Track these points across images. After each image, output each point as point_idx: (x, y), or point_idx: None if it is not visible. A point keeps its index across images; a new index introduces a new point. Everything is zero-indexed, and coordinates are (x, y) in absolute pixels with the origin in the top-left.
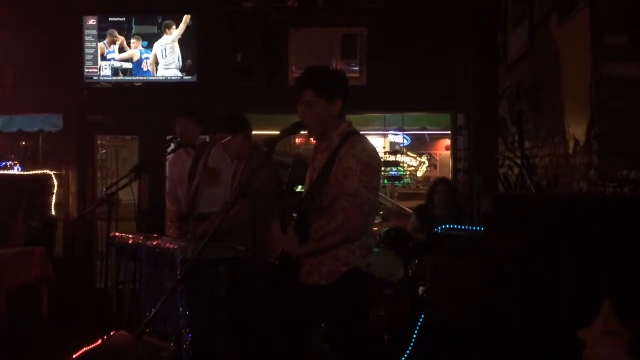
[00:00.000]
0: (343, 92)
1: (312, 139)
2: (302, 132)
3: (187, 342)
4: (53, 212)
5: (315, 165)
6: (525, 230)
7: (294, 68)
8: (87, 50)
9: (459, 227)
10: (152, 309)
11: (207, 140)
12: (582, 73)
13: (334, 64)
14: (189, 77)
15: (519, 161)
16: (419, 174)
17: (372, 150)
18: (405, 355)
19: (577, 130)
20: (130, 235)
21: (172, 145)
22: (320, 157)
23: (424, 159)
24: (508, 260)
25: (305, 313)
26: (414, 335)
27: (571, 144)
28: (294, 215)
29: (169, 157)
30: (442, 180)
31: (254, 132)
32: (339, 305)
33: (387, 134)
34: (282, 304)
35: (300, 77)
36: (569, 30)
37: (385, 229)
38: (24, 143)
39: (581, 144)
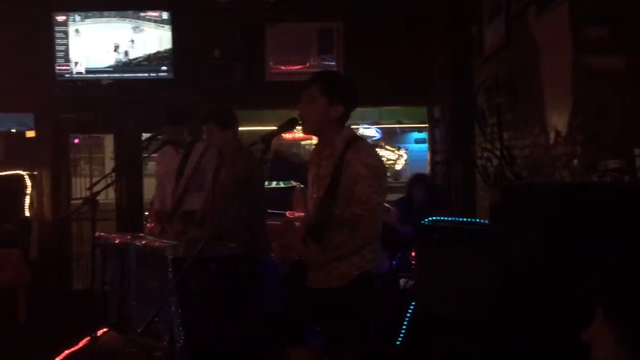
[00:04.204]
0: (346, 102)
1: (286, 135)
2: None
3: (181, 341)
4: (27, 214)
5: (321, 173)
6: (535, 221)
7: (271, 64)
8: (57, 48)
9: (445, 218)
10: (143, 310)
11: (191, 139)
12: (563, 65)
13: (311, 59)
14: (165, 74)
15: (498, 152)
16: (398, 167)
17: (377, 154)
18: (395, 346)
19: (558, 121)
20: (116, 235)
21: (152, 144)
22: (326, 165)
23: (402, 152)
24: (516, 252)
25: (309, 313)
26: (404, 327)
27: (552, 135)
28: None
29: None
30: (419, 178)
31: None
32: (350, 305)
33: (359, 128)
34: (286, 305)
35: (313, 73)
36: (548, 23)
37: None
38: None
39: (563, 134)
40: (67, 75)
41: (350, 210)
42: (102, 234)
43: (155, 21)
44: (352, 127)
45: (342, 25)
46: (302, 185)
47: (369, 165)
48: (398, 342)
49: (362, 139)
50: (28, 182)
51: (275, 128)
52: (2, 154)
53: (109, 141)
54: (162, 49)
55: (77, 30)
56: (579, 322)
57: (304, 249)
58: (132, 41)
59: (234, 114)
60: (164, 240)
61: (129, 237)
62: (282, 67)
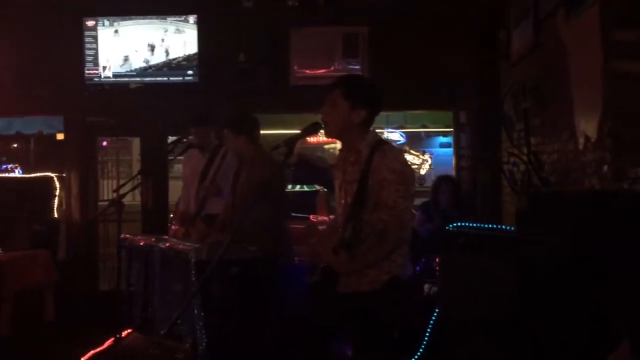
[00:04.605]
0: (369, 106)
1: (310, 138)
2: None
3: (203, 344)
4: (55, 215)
5: (347, 178)
6: (562, 228)
7: (296, 68)
8: (87, 52)
9: (470, 224)
10: (166, 312)
11: (218, 142)
12: (592, 69)
13: (336, 63)
14: (191, 78)
15: (525, 158)
16: (422, 172)
17: (403, 158)
18: (419, 353)
19: (587, 126)
20: (141, 237)
21: (177, 147)
22: (352, 170)
23: (426, 156)
24: (543, 259)
25: (335, 318)
26: (427, 333)
27: (581, 141)
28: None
29: (182, 157)
30: (445, 179)
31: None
32: (379, 310)
33: (383, 132)
34: (310, 310)
35: (337, 77)
36: (577, 26)
37: None
38: (23, 146)
39: (592, 140)
40: (95, 79)
41: (377, 216)
42: (127, 236)
43: (182, 25)
44: (378, 131)
45: (367, 29)
46: (325, 189)
47: (395, 170)
48: (422, 349)
49: (388, 142)
50: (57, 184)
51: (299, 132)
52: (33, 156)
53: (136, 144)
54: (187, 53)
55: (105, 35)
56: (605, 331)
57: (334, 257)
58: (160, 45)
59: (250, 119)
60: (187, 243)
61: (153, 239)
62: (307, 71)
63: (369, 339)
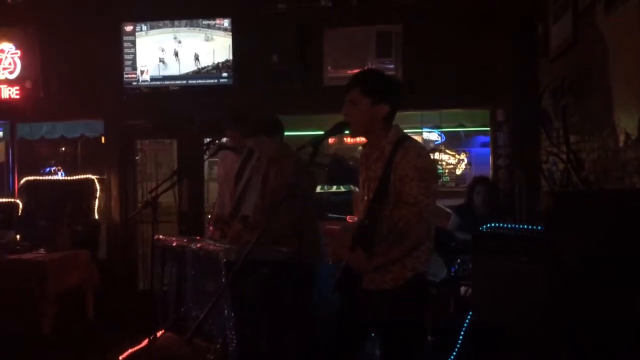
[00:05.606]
0: (391, 100)
1: (347, 139)
2: (345, 132)
3: (234, 344)
4: (96, 216)
5: (370, 175)
6: (592, 228)
7: (329, 68)
8: (126, 57)
9: (504, 225)
10: (199, 312)
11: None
12: (633, 64)
13: (370, 63)
14: (225, 80)
15: (564, 156)
16: (458, 172)
17: (426, 154)
18: (452, 357)
19: (628, 123)
20: (174, 238)
21: (210, 148)
22: (375, 167)
23: (462, 156)
24: (573, 260)
25: (362, 315)
26: (460, 336)
27: (622, 138)
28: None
29: (217, 156)
30: (481, 180)
31: (290, 133)
32: (403, 307)
33: (422, 132)
34: (340, 306)
35: (352, 75)
36: (617, 20)
37: None
38: (66, 149)
39: (633, 137)
40: (134, 83)
41: (398, 213)
42: (160, 236)
43: (217, 28)
44: (415, 131)
45: (400, 27)
46: (359, 189)
47: (417, 166)
48: (455, 351)
49: (411, 138)
50: (97, 186)
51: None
52: (80, 159)
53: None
54: (222, 55)
55: (143, 39)
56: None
57: (351, 255)
58: (195, 49)
59: (278, 119)
60: (218, 244)
61: (185, 240)
62: (341, 71)
63: (395, 336)
